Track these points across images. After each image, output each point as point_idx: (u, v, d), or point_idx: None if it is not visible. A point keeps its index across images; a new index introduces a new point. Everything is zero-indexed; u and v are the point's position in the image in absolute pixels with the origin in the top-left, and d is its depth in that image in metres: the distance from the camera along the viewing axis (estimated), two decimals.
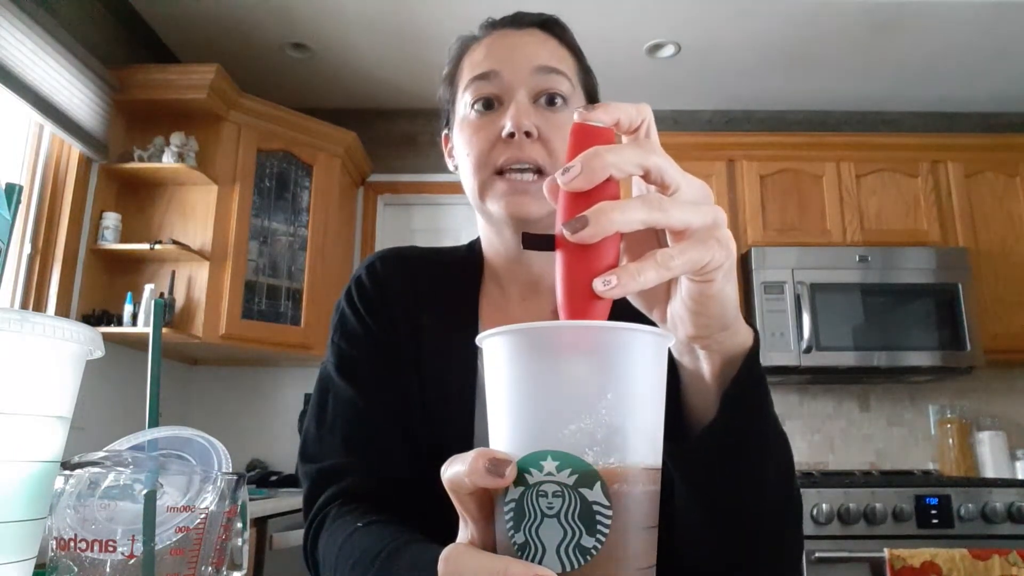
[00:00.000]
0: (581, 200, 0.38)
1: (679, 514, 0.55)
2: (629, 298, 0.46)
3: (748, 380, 0.49)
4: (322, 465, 0.73)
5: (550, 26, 0.79)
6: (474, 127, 0.75)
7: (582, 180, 0.37)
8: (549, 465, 0.33)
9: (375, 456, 0.73)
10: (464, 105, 0.77)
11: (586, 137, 0.40)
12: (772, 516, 0.55)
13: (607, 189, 0.38)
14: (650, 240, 0.44)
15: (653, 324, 0.47)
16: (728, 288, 0.44)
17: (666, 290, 0.46)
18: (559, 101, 0.74)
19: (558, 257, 0.38)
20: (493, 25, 0.80)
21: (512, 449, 0.34)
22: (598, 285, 0.36)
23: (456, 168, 0.82)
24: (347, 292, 0.83)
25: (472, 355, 0.76)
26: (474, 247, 0.86)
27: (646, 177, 0.40)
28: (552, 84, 0.74)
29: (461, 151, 0.77)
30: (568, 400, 0.33)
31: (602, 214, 0.36)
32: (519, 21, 0.79)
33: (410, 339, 0.78)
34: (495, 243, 0.81)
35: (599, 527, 0.32)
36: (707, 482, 0.53)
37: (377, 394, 0.75)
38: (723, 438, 0.50)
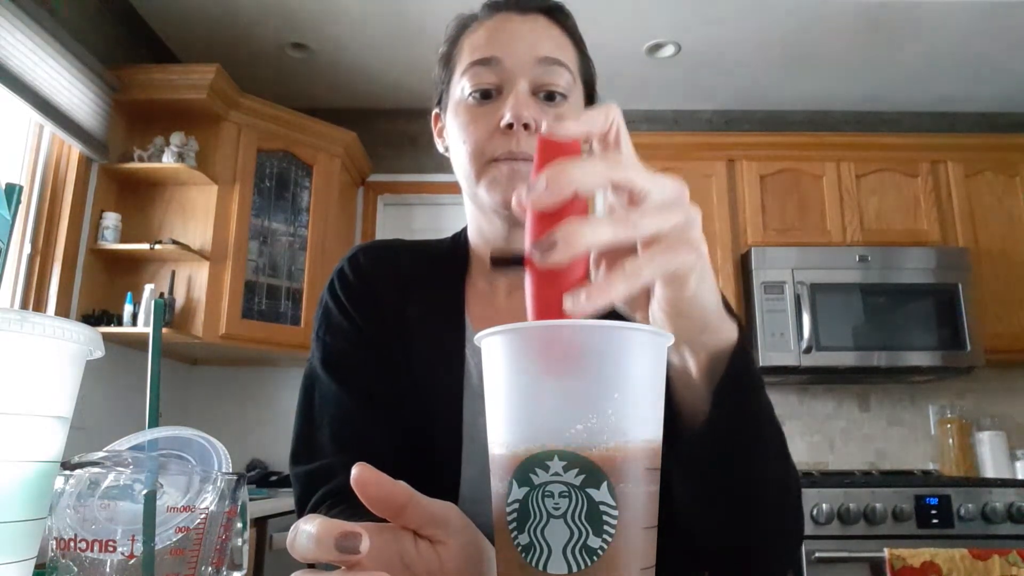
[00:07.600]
0: (549, 215, 0.38)
1: (679, 501, 0.55)
2: None
3: (736, 377, 0.49)
4: (310, 467, 0.72)
5: (554, 13, 0.77)
6: (471, 114, 0.73)
7: (547, 197, 0.37)
8: (556, 465, 0.33)
9: (363, 452, 0.72)
10: (461, 89, 0.75)
11: (552, 151, 0.39)
12: (768, 502, 0.56)
13: (575, 203, 0.38)
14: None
15: None
16: (703, 290, 0.44)
17: (647, 293, 0.46)
18: (558, 98, 0.73)
19: (527, 275, 0.38)
20: (496, 7, 0.78)
21: (515, 448, 0.34)
22: (567, 303, 0.36)
23: (447, 150, 0.81)
24: (330, 285, 0.81)
25: (460, 348, 0.75)
26: (459, 239, 0.85)
27: (614, 188, 0.40)
28: (553, 78, 0.73)
29: (455, 136, 0.75)
30: (574, 400, 0.33)
31: (571, 234, 0.36)
32: (523, 6, 0.77)
33: (396, 331, 0.77)
34: (485, 232, 0.78)
35: (605, 527, 0.32)
36: (704, 476, 0.54)
37: (364, 388, 0.74)
38: (716, 436, 0.51)
